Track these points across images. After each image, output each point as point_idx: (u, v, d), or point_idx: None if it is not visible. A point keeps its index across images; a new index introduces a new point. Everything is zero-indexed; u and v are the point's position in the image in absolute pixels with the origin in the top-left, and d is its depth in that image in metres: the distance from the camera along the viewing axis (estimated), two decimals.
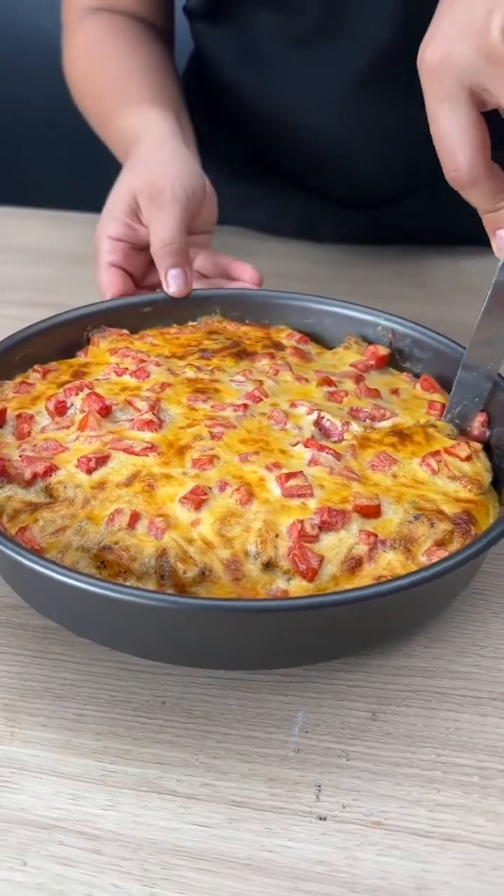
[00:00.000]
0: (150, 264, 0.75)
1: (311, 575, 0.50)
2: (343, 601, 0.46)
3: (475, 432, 0.61)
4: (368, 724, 0.50)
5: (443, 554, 0.51)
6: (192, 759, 0.48)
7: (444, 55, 0.48)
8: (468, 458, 0.57)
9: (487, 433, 0.61)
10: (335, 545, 0.51)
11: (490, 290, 0.56)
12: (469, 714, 0.50)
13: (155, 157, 0.76)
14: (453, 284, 0.93)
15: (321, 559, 0.50)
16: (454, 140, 0.49)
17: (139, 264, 0.76)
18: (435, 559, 0.50)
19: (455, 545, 0.52)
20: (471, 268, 0.94)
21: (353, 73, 0.83)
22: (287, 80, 0.87)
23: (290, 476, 0.54)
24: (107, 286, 0.74)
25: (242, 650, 0.50)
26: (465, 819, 0.45)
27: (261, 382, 0.63)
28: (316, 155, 0.91)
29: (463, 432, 0.61)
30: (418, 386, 0.66)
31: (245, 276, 0.77)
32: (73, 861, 0.43)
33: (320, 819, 0.45)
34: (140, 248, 0.75)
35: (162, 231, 0.71)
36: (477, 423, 0.61)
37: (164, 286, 0.71)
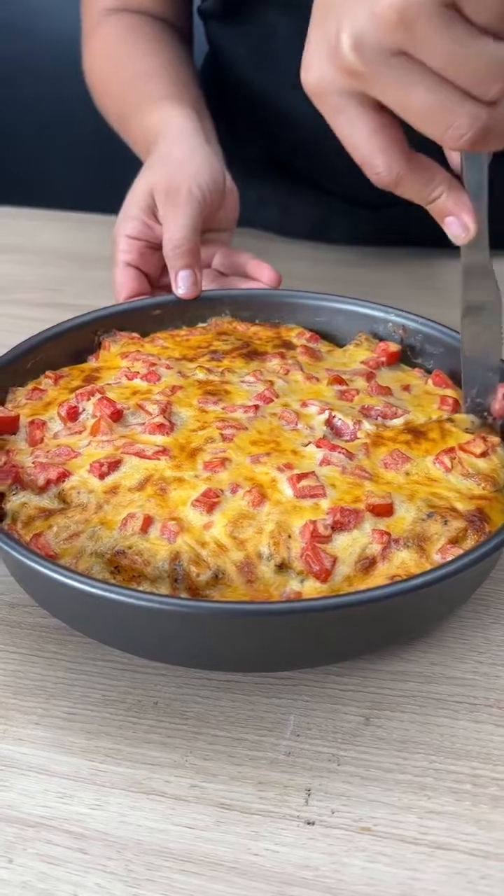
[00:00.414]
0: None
1: (324, 576, 0.49)
2: (368, 600, 0.45)
3: (497, 406, 0.60)
4: (361, 729, 0.49)
5: (457, 552, 0.50)
6: (181, 760, 0.48)
7: (317, 77, 0.48)
8: (483, 455, 0.57)
9: None
10: (348, 545, 0.51)
11: (461, 271, 0.57)
12: (464, 721, 0.50)
13: (174, 155, 0.75)
14: None
15: (334, 560, 0.50)
16: (363, 148, 0.49)
17: (155, 264, 0.76)
18: (449, 557, 0.50)
19: (469, 542, 0.51)
20: None
21: None
22: (297, 79, 0.87)
23: (301, 476, 0.53)
24: (121, 286, 0.74)
25: (255, 652, 0.49)
26: (455, 827, 0.45)
27: (271, 383, 0.62)
28: (325, 153, 0.91)
29: (487, 413, 0.60)
30: (430, 381, 0.65)
31: (263, 276, 0.76)
32: (58, 860, 0.43)
33: (308, 823, 0.45)
34: (157, 248, 0.75)
35: (175, 231, 0.71)
36: (499, 396, 0.60)
37: (174, 287, 0.71)
